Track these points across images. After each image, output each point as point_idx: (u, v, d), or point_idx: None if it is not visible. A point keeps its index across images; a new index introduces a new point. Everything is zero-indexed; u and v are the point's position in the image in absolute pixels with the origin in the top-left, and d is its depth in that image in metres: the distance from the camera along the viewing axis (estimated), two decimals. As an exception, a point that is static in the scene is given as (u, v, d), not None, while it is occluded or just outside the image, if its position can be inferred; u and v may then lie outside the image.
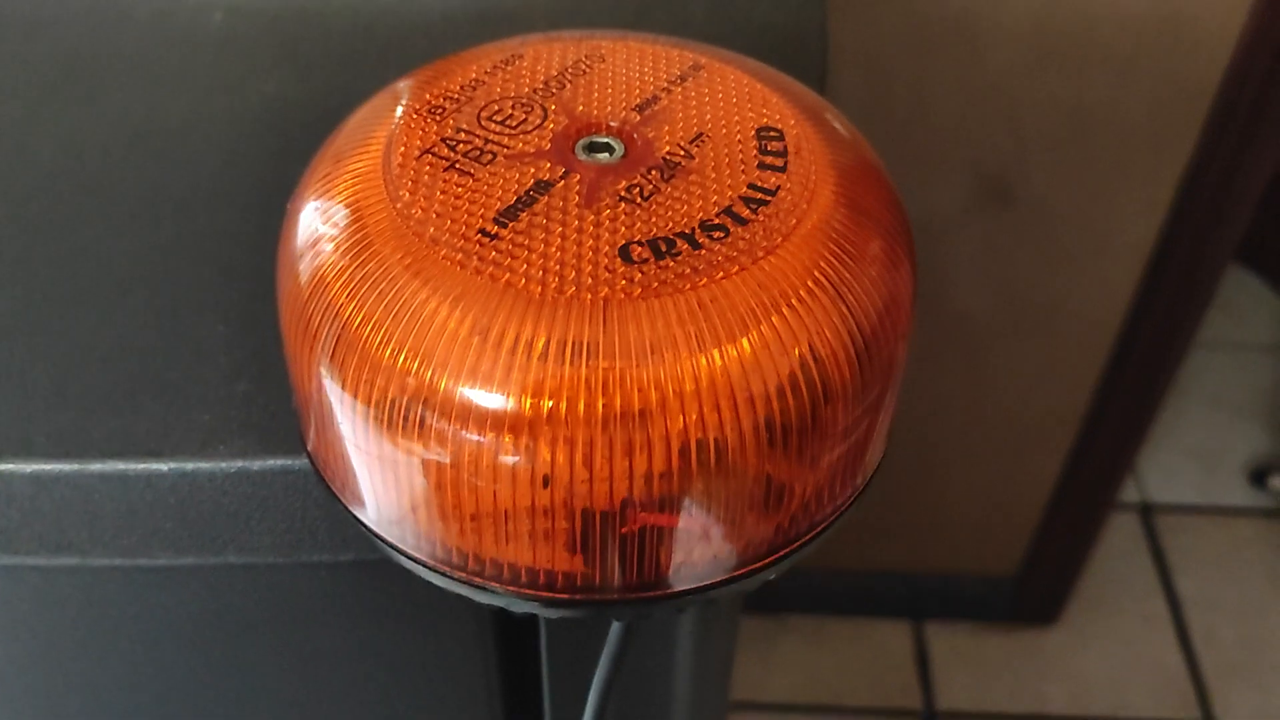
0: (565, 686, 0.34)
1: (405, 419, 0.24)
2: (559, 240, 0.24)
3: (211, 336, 0.34)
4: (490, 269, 0.23)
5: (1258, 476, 1.39)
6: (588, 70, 0.28)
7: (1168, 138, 0.93)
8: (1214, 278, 1.04)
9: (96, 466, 0.31)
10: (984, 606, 1.30)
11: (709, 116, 0.27)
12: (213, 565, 0.33)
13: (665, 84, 0.28)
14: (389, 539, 0.26)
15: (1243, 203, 0.98)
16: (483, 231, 0.24)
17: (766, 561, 0.26)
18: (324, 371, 0.25)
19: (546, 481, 0.24)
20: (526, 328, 0.23)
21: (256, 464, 0.31)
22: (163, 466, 0.31)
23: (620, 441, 0.23)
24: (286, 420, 0.31)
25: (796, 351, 0.24)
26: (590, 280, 0.23)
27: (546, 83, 0.28)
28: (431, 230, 0.24)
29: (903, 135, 0.94)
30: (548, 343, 0.23)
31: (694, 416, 0.23)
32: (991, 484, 1.20)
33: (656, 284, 0.23)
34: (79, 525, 0.32)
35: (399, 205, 0.25)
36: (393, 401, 0.24)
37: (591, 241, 0.24)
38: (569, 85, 0.28)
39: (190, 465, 0.31)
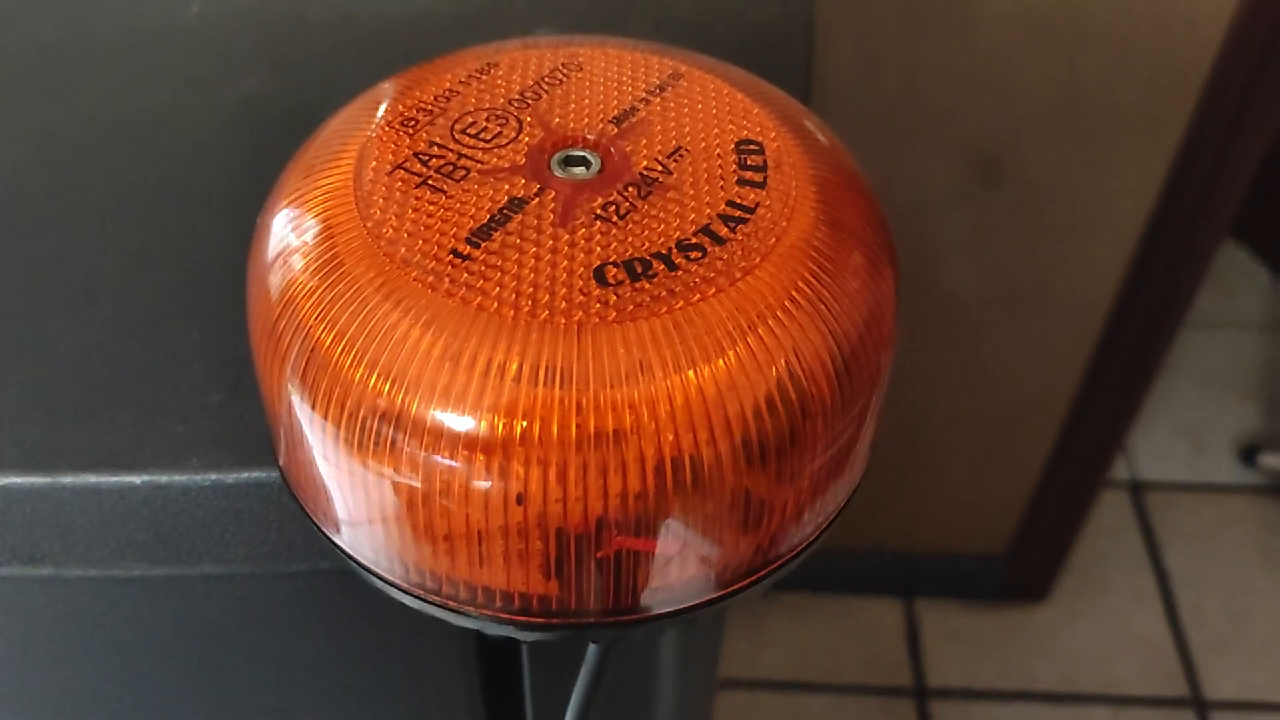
0: (549, 699, 0.33)
1: (375, 440, 0.23)
2: (532, 261, 0.23)
3: (185, 344, 0.33)
4: (462, 291, 0.23)
5: (1247, 454, 1.39)
6: (564, 80, 0.28)
7: (1160, 118, 0.92)
8: (1205, 258, 1.04)
9: (68, 480, 0.30)
10: (974, 584, 1.31)
11: (688, 129, 0.27)
12: (189, 575, 0.33)
13: (644, 94, 0.27)
14: (361, 559, 0.26)
15: (1235, 183, 0.97)
16: (455, 252, 0.24)
17: (747, 582, 0.26)
18: (293, 389, 0.24)
19: (520, 500, 0.23)
20: (499, 353, 0.22)
21: (231, 477, 0.31)
22: (135, 479, 0.30)
23: (595, 462, 0.23)
24: (261, 431, 0.31)
25: (774, 370, 0.23)
26: (564, 304, 0.23)
27: (522, 93, 0.27)
28: (403, 251, 0.24)
29: (893, 115, 0.93)
30: (520, 367, 0.22)
31: (670, 437, 0.23)
32: (982, 463, 1.20)
33: (631, 307, 0.23)
34: (51, 537, 0.32)
35: (370, 224, 0.24)
36: (363, 422, 0.23)
37: (566, 263, 0.23)
38: (545, 96, 0.27)
39: (163, 478, 0.30)
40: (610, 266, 0.23)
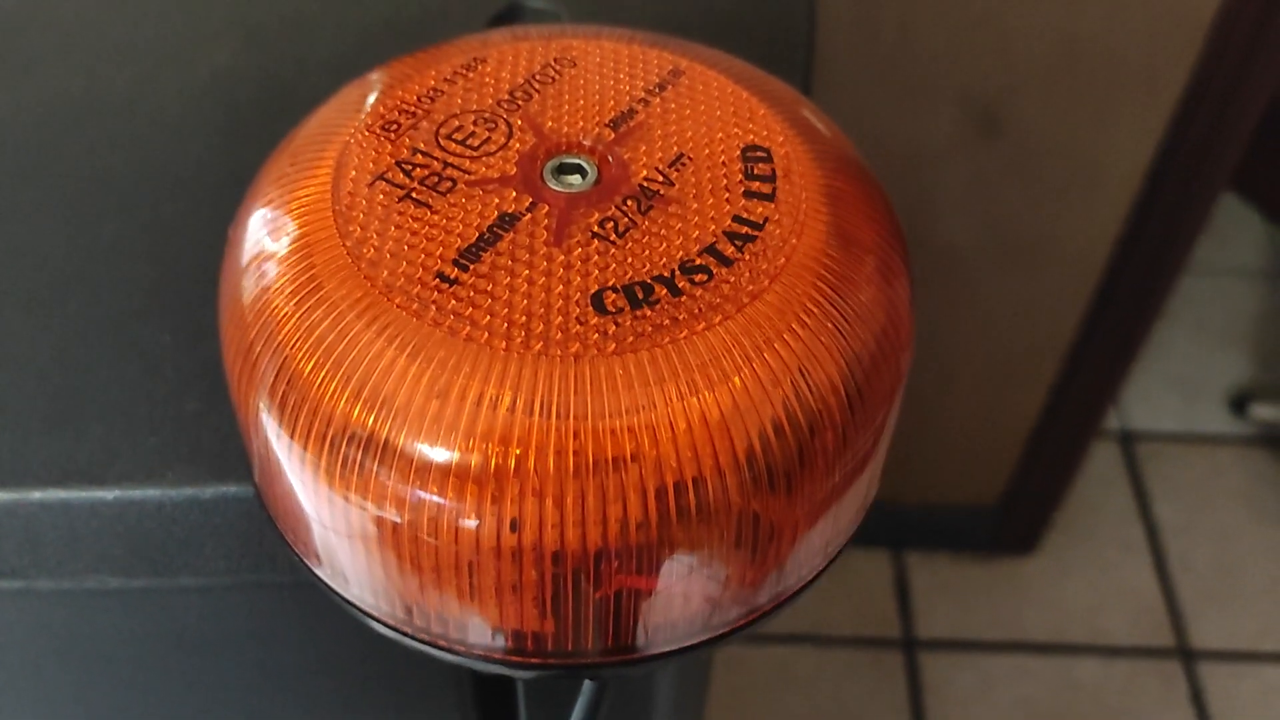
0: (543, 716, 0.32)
1: (357, 472, 0.22)
2: (525, 286, 0.22)
3: (157, 347, 0.32)
4: (449, 320, 0.21)
5: (1238, 404, 1.39)
6: (557, 77, 0.26)
7: (1161, 69, 0.90)
8: (1204, 212, 1.02)
9: (36, 495, 0.29)
10: (964, 536, 1.30)
11: (690, 133, 0.25)
12: (167, 587, 0.32)
13: (642, 94, 0.26)
14: (341, 593, 0.25)
15: (1236, 135, 0.95)
16: (441, 276, 0.22)
17: (753, 618, 0.25)
18: (266, 415, 0.23)
19: (515, 526, 0.22)
20: (490, 387, 0.21)
21: (208, 491, 0.29)
22: (107, 495, 0.29)
23: (593, 493, 0.21)
24: (240, 443, 0.29)
25: (781, 392, 0.22)
26: (560, 335, 0.21)
27: (512, 93, 0.25)
28: (385, 274, 0.22)
29: (890, 64, 0.91)
30: (514, 400, 0.21)
31: (672, 463, 0.21)
32: (974, 415, 1.19)
33: (632, 338, 0.21)
34: (20, 552, 0.30)
35: (349, 243, 0.23)
36: (343, 452, 0.22)
37: (561, 287, 0.22)
38: (536, 95, 0.25)
39: (137, 493, 0.29)
40: (609, 292, 0.22)
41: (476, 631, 0.24)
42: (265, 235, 0.23)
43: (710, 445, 0.21)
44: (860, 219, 0.24)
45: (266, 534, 0.29)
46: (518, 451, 0.21)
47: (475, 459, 0.21)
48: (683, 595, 0.23)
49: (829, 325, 0.23)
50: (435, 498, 0.21)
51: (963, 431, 1.21)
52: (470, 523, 0.21)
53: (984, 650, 1.24)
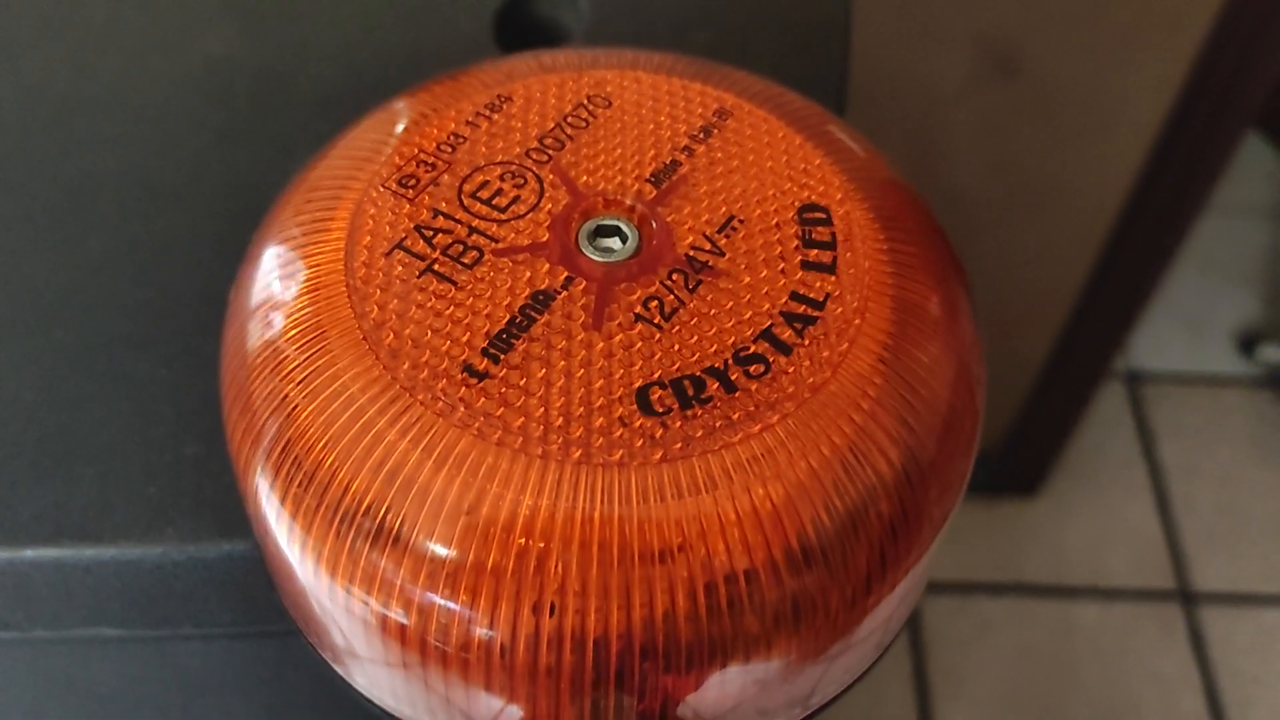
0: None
1: (358, 566, 0.20)
2: (562, 380, 0.20)
3: (153, 382, 0.29)
4: (479, 421, 0.19)
5: (1246, 344, 1.37)
6: (590, 120, 0.23)
7: (1184, 9, 0.87)
8: (1225, 155, 0.99)
9: (28, 554, 0.27)
10: (966, 479, 1.29)
11: (739, 190, 0.22)
12: (168, 636, 0.30)
13: (686, 140, 0.23)
14: (342, 675, 0.23)
15: (1262, 77, 0.92)
16: (469, 369, 0.20)
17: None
18: (270, 507, 0.21)
19: (536, 648, 0.20)
20: (526, 499, 0.19)
21: (212, 550, 0.27)
22: (102, 553, 0.27)
23: (640, 582, 0.20)
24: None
25: (834, 479, 0.20)
26: (601, 440, 0.19)
27: (541, 139, 0.23)
28: (407, 366, 0.20)
29: (904, 2, 0.88)
30: (554, 509, 0.19)
31: (721, 555, 0.19)
32: (980, 359, 1.17)
33: (680, 444, 0.19)
34: (12, 606, 0.28)
35: (366, 325, 0.20)
36: (345, 542, 0.20)
37: (602, 381, 0.20)
38: (569, 144, 0.23)
39: (135, 552, 0.27)
40: (655, 388, 0.20)
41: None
42: (273, 311, 0.21)
43: (762, 536, 0.20)
44: (926, 286, 0.22)
45: (274, 593, 0.27)
46: (543, 547, 0.19)
47: (502, 562, 0.19)
48: (730, 697, 0.22)
49: (893, 419, 0.20)
50: (450, 604, 0.19)
51: (968, 375, 1.20)
52: (484, 632, 0.19)
53: (984, 592, 1.24)
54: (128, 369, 0.30)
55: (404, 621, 0.20)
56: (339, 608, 0.21)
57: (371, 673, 0.22)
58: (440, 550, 0.19)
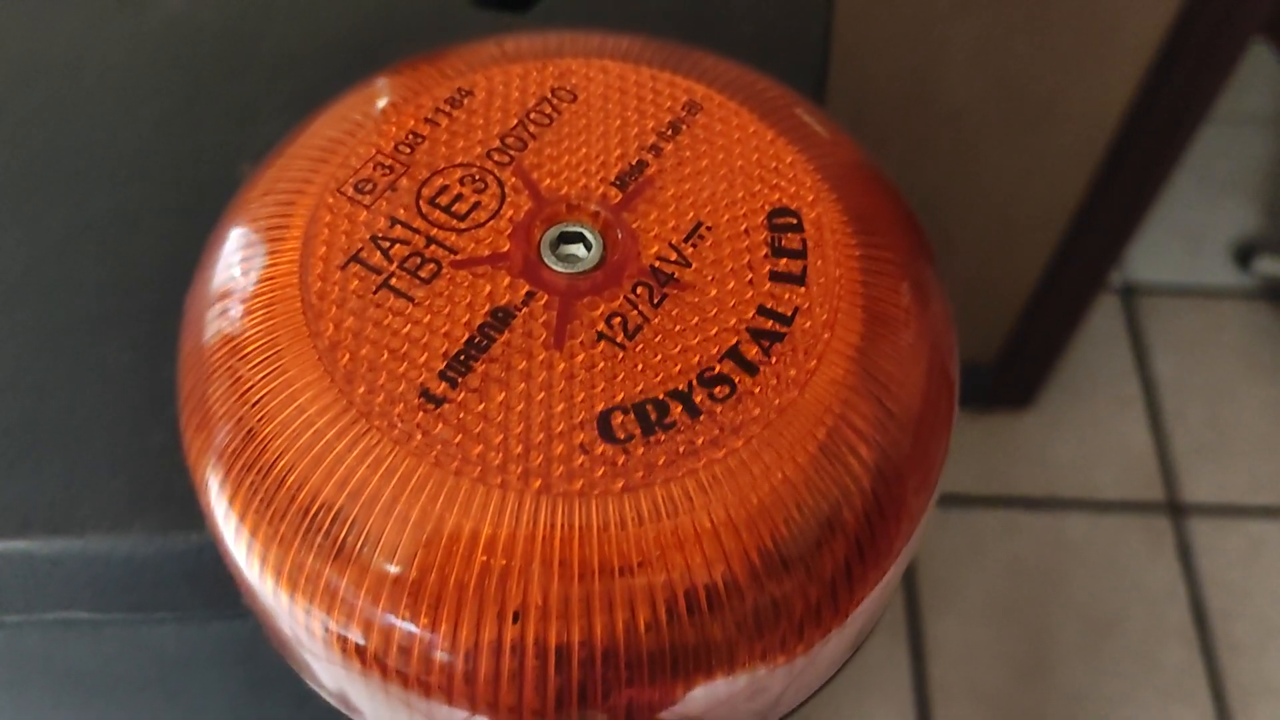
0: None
1: (312, 584, 0.19)
2: (522, 404, 0.19)
3: (117, 366, 0.29)
4: (437, 449, 0.19)
5: (1242, 256, 1.36)
6: (555, 115, 0.22)
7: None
8: (1228, 66, 0.97)
9: (-6, 546, 0.27)
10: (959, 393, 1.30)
11: (707, 193, 0.22)
12: (142, 620, 0.30)
13: (653, 138, 0.22)
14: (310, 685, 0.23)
15: (1266, -7, 0.90)
16: (426, 394, 0.19)
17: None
18: (227, 527, 0.20)
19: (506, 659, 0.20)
20: (485, 528, 0.19)
21: (181, 542, 0.27)
22: (70, 545, 0.27)
23: (600, 600, 0.19)
24: (212, 485, 0.27)
25: (798, 498, 0.20)
26: (562, 469, 0.19)
27: (503, 138, 0.22)
28: (363, 390, 0.19)
29: (901, -87, 0.85)
30: (514, 537, 0.19)
31: (680, 569, 0.19)
32: (976, 275, 1.17)
33: (643, 471, 0.19)
34: (-17, 594, 0.28)
35: (322, 345, 0.20)
36: (296, 559, 0.19)
37: (563, 405, 0.19)
38: (531, 143, 0.22)
39: (103, 544, 0.27)
40: (618, 412, 0.19)
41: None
42: (228, 325, 0.21)
43: (720, 549, 0.19)
44: (898, 293, 0.21)
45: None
46: (505, 564, 0.19)
47: (461, 581, 0.19)
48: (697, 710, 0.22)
49: (861, 427, 0.20)
50: (410, 627, 0.19)
51: (963, 290, 1.19)
52: (443, 655, 0.19)
53: (973, 506, 1.25)
54: (91, 352, 0.29)
55: (360, 642, 0.20)
56: (298, 625, 0.20)
57: (330, 679, 0.22)
58: (398, 571, 0.19)
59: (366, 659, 0.20)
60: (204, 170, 0.32)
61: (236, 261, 0.21)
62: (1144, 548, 1.23)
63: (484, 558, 0.19)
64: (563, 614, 0.19)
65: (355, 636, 0.19)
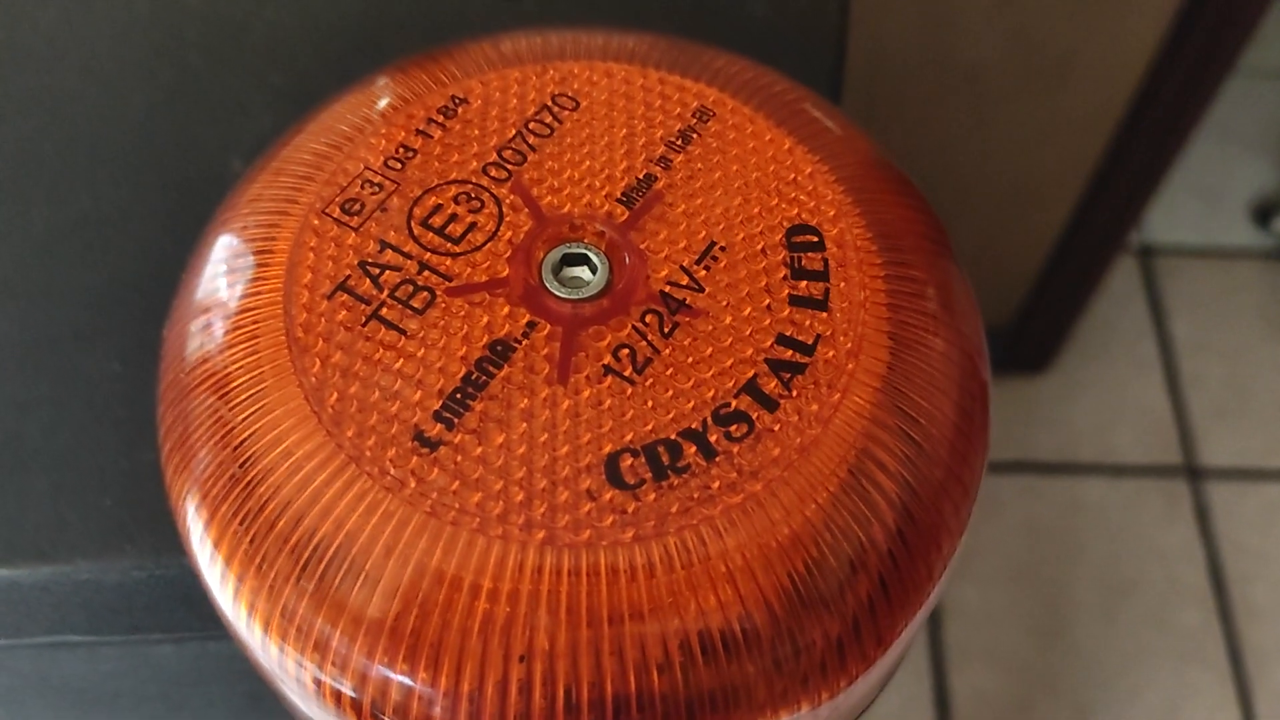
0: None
1: (303, 635, 0.18)
2: (524, 448, 0.18)
3: (105, 379, 0.28)
4: (433, 497, 0.17)
5: (1261, 215, 1.34)
6: (556, 125, 0.21)
7: None
8: (1255, 18, 0.95)
9: (-21, 573, 0.26)
10: (975, 356, 1.28)
11: (721, 210, 0.20)
12: (138, 640, 0.29)
13: (662, 149, 0.21)
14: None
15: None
16: (420, 437, 0.18)
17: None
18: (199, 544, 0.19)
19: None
20: (486, 581, 0.17)
21: (174, 566, 0.26)
22: (59, 571, 0.26)
23: (608, 644, 0.18)
24: (203, 507, 0.26)
25: (829, 536, 0.18)
26: (567, 519, 0.17)
27: (500, 151, 0.20)
28: (352, 434, 0.18)
29: None
30: (516, 594, 0.17)
31: (692, 612, 0.18)
32: (993, 236, 1.15)
33: (655, 520, 0.17)
34: (-29, 619, 0.27)
35: (308, 384, 0.18)
36: (286, 609, 0.18)
37: (568, 448, 0.18)
38: (530, 156, 0.20)
39: (94, 569, 0.26)
40: (627, 454, 0.18)
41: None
42: (210, 358, 0.19)
43: (737, 595, 0.18)
44: (926, 315, 0.20)
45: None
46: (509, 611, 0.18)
47: (464, 632, 0.17)
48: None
49: (889, 466, 0.19)
50: (404, 679, 0.18)
51: (979, 252, 1.17)
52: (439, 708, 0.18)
53: (992, 470, 1.23)
54: (77, 364, 0.28)
55: (354, 695, 0.18)
56: (288, 676, 0.19)
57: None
58: (392, 621, 0.18)
59: (361, 713, 0.19)
60: (193, 167, 0.31)
61: (218, 288, 0.20)
62: (1161, 511, 1.22)
63: (486, 606, 0.17)
64: (570, 658, 0.18)
65: (348, 690, 0.18)
